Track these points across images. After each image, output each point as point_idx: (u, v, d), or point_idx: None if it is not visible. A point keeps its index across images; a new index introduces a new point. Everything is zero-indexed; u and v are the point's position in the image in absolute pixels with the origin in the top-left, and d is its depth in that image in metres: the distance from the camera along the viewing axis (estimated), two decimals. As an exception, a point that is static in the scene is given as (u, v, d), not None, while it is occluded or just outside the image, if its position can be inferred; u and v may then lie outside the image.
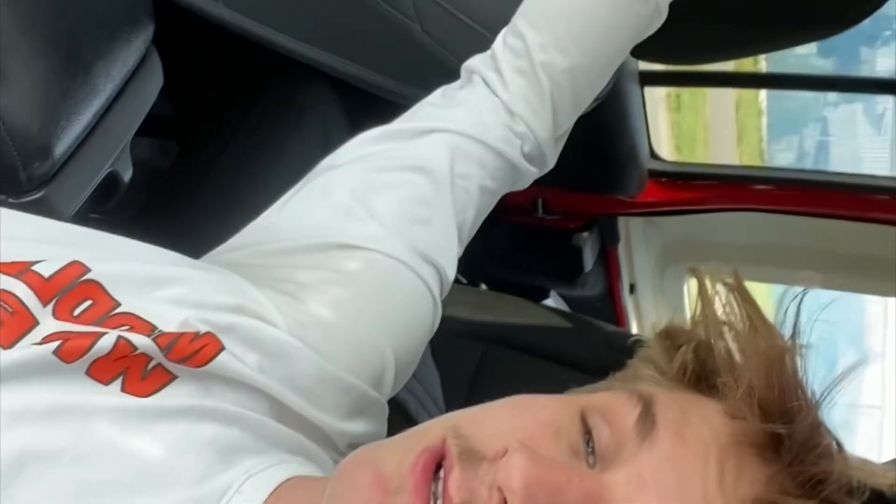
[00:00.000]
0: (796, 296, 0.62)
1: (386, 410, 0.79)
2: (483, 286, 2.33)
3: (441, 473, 0.54)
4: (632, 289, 2.31)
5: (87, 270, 0.65)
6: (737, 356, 0.63)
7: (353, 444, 0.74)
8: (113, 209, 1.21)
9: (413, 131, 0.87)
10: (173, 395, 0.63)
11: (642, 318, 2.33)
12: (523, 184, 0.94)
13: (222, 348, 0.65)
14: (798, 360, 0.61)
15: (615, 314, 2.29)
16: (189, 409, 0.63)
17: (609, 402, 0.59)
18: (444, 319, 0.86)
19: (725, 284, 0.66)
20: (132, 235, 0.75)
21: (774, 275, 2.27)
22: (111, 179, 1.15)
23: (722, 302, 0.66)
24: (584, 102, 0.94)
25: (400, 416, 0.88)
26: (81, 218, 1.10)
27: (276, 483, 0.63)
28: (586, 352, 1.85)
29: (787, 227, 2.01)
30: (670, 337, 0.69)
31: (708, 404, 0.61)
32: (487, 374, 1.82)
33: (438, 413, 1.26)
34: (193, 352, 0.64)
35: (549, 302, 2.31)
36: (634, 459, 0.56)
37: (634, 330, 2.33)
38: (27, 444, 0.56)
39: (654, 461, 0.56)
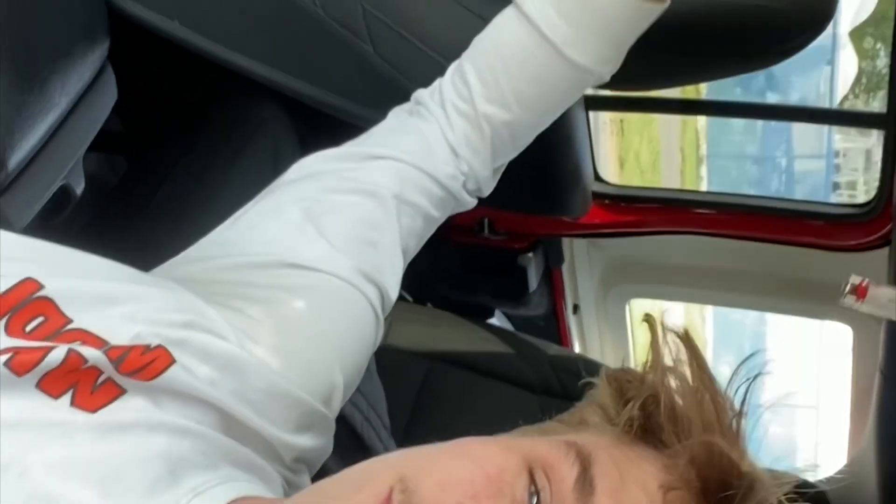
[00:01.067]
0: (747, 379, 0.65)
1: (333, 426, 0.81)
2: (429, 304, 2.33)
3: None
4: (575, 309, 2.34)
5: (41, 287, 0.65)
6: (682, 416, 0.65)
7: (299, 458, 0.77)
8: (60, 223, 1.21)
9: (364, 155, 0.90)
10: (122, 409, 0.63)
11: (585, 338, 2.36)
12: (462, 210, 0.98)
13: (173, 361, 0.66)
14: (741, 439, 0.64)
15: (559, 334, 2.32)
16: (137, 423, 0.63)
17: (550, 456, 0.61)
18: (390, 336, 0.88)
19: (677, 335, 0.68)
20: (79, 249, 0.75)
21: (714, 297, 2.33)
22: (63, 192, 1.15)
23: (671, 354, 0.67)
24: (524, 144, 0.98)
25: (345, 431, 0.88)
26: (32, 230, 1.09)
27: (223, 503, 0.64)
28: (531, 371, 1.87)
29: (726, 250, 2.06)
30: (620, 385, 0.71)
31: (647, 465, 0.63)
32: (432, 391, 1.83)
33: (384, 429, 1.28)
34: (144, 365, 0.65)
35: (494, 321, 2.33)
36: None
37: (577, 349, 2.36)
38: None
39: None
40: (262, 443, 0.72)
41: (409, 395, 1.81)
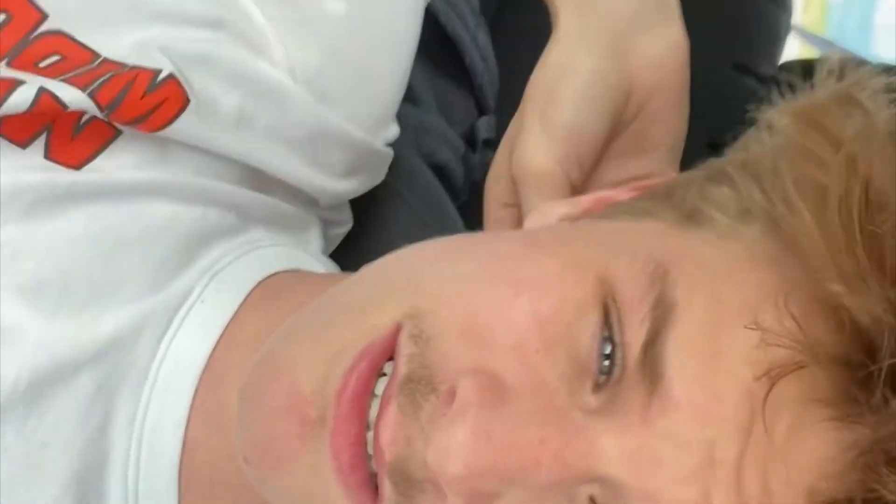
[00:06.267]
0: None
1: (390, 157, 0.66)
2: None
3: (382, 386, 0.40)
4: None
5: None
6: None
7: (337, 204, 0.64)
8: None
9: None
10: (116, 165, 0.50)
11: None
12: None
13: (186, 103, 0.50)
14: None
15: None
16: (136, 186, 0.50)
17: (627, 284, 0.38)
18: None
19: None
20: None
21: None
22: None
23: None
24: None
25: (426, 22, 0.71)
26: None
27: (249, 286, 0.51)
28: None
29: None
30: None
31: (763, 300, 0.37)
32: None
33: (472, 15, 0.94)
34: (147, 112, 0.49)
35: None
36: (639, 421, 0.36)
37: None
38: None
39: (662, 435, 0.36)
40: (294, 191, 0.59)
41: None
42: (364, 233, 0.70)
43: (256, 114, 0.55)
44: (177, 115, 0.50)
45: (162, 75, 0.50)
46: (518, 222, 0.58)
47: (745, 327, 0.36)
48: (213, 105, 0.52)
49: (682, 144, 0.62)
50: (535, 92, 0.58)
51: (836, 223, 0.36)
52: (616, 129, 0.59)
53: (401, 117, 0.81)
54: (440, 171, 0.87)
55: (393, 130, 0.65)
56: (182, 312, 0.50)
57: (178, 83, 0.50)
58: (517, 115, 0.60)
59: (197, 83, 0.51)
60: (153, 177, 0.51)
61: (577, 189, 0.57)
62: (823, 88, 0.42)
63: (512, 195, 0.58)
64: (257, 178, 0.57)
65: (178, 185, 0.52)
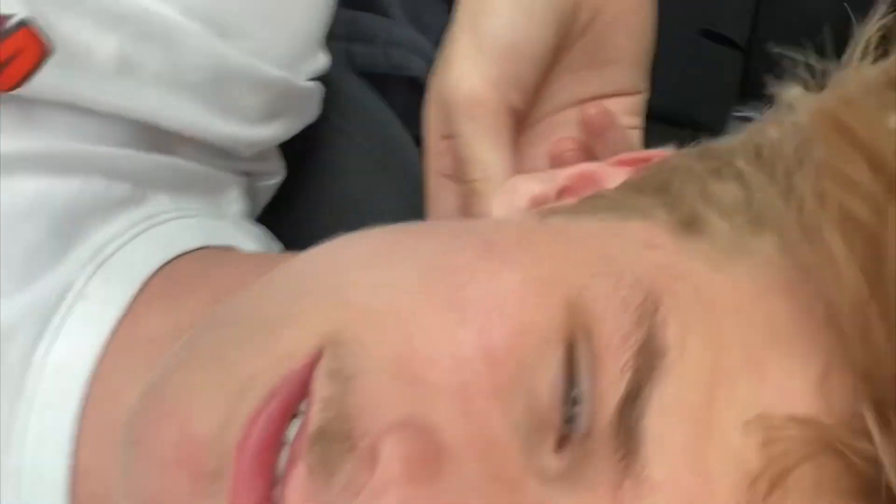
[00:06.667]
0: None
1: (316, 93, 0.57)
2: None
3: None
4: None
5: None
6: None
7: (262, 153, 0.56)
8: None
9: None
10: None
11: None
12: None
13: (47, 53, 0.43)
14: None
15: None
16: None
17: (607, 319, 0.31)
18: None
19: None
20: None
21: None
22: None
23: None
24: None
25: None
26: None
27: (147, 272, 0.44)
28: None
29: None
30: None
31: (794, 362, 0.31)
32: None
33: None
34: None
35: None
36: (608, 500, 0.29)
37: None
38: None
39: None
40: (205, 147, 0.51)
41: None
42: (306, 181, 0.63)
43: (141, 59, 0.47)
44: (35, 69, 0.43)
45: (11, 22, 0.42)
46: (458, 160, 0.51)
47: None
48: (84, 53, 0.45)
49: (649, 54, 0.54)
50: (466, 0, 0.51)
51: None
52: (565, 42, 0.51)
53: (367, 30, 0.74)
54: (413, 84, 0.80)
55: (320, 61, 0.57)
56: (61, 311, 0.43)
57: (33, 30, 0.43)
58: (449, 29, 0.52)
59: (63, 27, 0.44)
60: (15, 147, 0.43)
61: (521, 115, 0.50)
62: (857, 72, 0.34)
63: (449, 125, 0.51)
64: (152, 136, 0.49)
65: (48, 153, 0.44)
